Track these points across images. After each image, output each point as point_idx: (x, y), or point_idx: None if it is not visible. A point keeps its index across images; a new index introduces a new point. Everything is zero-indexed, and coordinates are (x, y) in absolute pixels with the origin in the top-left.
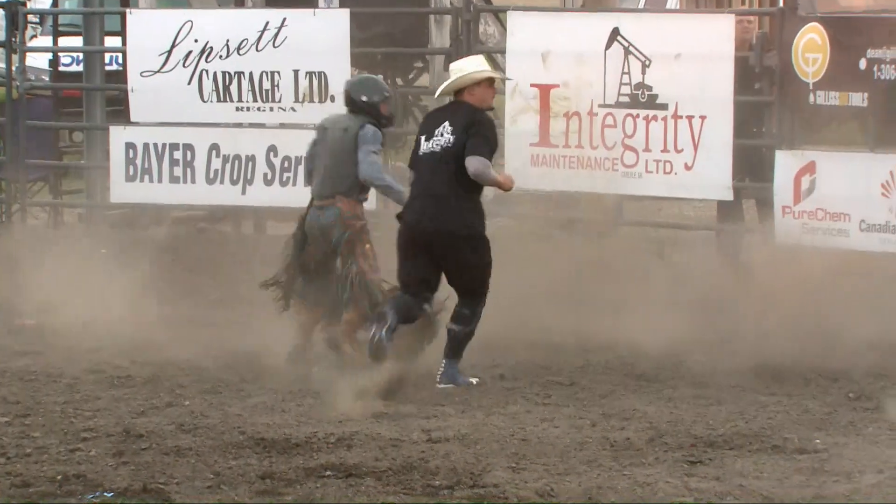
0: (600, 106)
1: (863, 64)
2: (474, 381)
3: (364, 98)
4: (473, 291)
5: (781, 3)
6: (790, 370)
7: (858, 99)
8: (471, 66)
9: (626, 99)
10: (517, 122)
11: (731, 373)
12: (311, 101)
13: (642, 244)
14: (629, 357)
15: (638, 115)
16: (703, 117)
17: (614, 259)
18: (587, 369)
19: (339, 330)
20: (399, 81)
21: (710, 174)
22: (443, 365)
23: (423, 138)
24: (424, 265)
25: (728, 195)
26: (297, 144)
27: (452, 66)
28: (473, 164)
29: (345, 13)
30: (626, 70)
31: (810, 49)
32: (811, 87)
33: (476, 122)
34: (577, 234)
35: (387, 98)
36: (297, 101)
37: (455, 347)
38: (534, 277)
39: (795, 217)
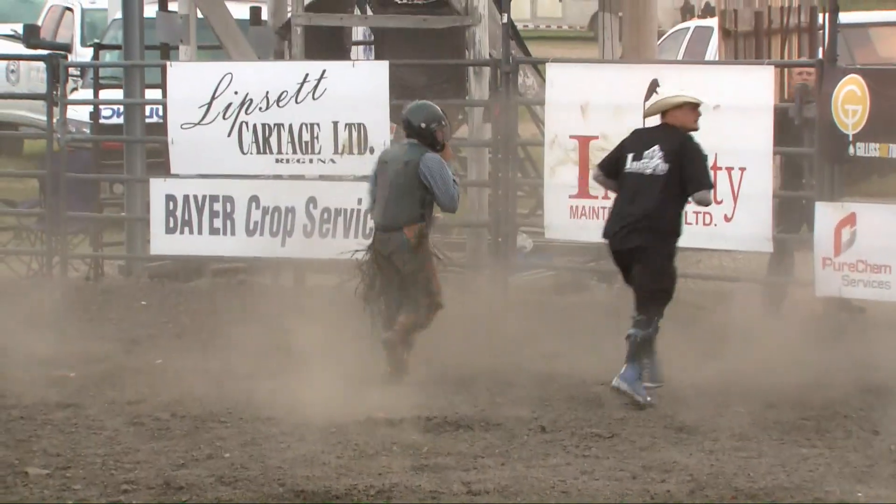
0: None
1: None
2: (649, 398)
3: (423, 124)
4: (652, 296)
5: (821, 55)
6: (831, 422)
7: None
8: (671, 91)
9: None
10: (556, 174)
11: (772, 424)
12: (351, 152)
13: (682, 295)
14: (669, 409)
15: None
16: (742, 169)
17: None
18: (627, 421)
19: (394, 331)
20: None
21: (750, 226)
22: (623, 368)
23: (630, 156)
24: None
25: (768, 247)
26: (337, 196)
27: (658, 89)
28: (705, 197)
29: (384, 65)
30: None
31: (850, 100)
32: (851, 138)
33: (688, 150)
34: (617, 284)
35: (443, 126)
36: (336, 152)
37: (632, 352)
38: (573, 328)
39: (836, 269)
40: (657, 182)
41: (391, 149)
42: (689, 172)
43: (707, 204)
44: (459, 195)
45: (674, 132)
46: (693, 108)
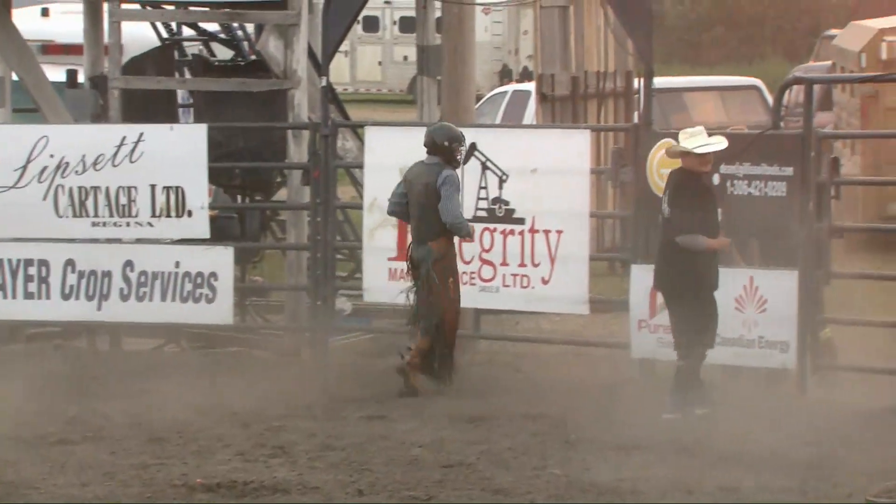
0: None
1: (716, 179)
2: (700, 412)
3: (446, 142)
4: (685, 332)
5: (636, 119)
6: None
7: None
8: (686, 140)
9: (484, 213)
10: (375, 237)
11: (588, 486)
12: (169, 215)
13: (500, 357)
14: (488, 471)
15: (495, 229)
16: (559, 231)
17: (472, 372)
18: (445, 483)
19: (408, 358)
20: (258, 197)
21: (568, 288)
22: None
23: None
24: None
25: (584, 309)
26: (154, 259)
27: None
28: (684, 242)
29: (202, 128)
30: (483, 184)
31: (665, 164)
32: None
33: (677, 190)
34: None
35: (460, 145)
36: (154, 215)
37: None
38: (392, 391)
39: (651, 331)
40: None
41: (414, 167)
42: (674, 215)
43: (691, 249)
44: (458, 219)
45: (678, 175)
46: (693, 155)
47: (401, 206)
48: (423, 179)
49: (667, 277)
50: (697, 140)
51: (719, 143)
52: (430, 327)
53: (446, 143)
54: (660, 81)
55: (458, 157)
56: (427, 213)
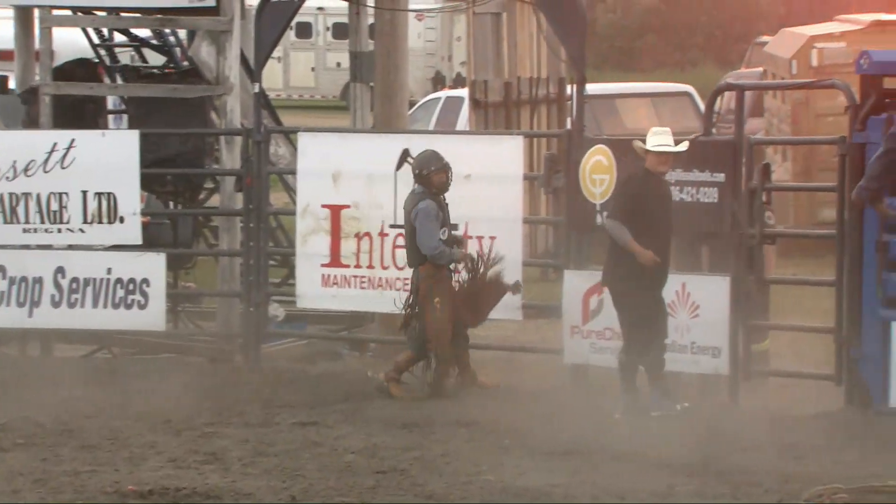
0: (391, 226)
1: None
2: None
3: (422, 171)
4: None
5: (569, 125)
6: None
7: None
8: (649, 138)
9: None
10: (308, 243)
11: (522, 491)
12: (100, 221)
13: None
14: (421, 477)
15: None
16: (492, 237)
17: (404, 377)
18: (377, 490)
19: (387, 370)
20: (190, 203)
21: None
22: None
23: None
24: None
25: (518, 315)
26: (86, 265)
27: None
28: (608, 226)
29: (134, 134)
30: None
31: (598, 170)
32: (598, 207)
33: (623, 182)
34: (369, 353)
35: (438, 170)
36: (85, 221)
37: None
38: (325, 397)
39: (584, 336)
40: None
41: (407, 197)
42: (610, 201)
43: (613, 237)
44: (434, 250)
45: (633, 171)
46: (658, 153)
47: None
48: (408, 207)
49: (609, 274)
50: (658, 139)
51: (678, 146)
52: (415, 346)
53: (423, 172)
54: (592, 88)
55: (440, 184)
56: (411, 240)
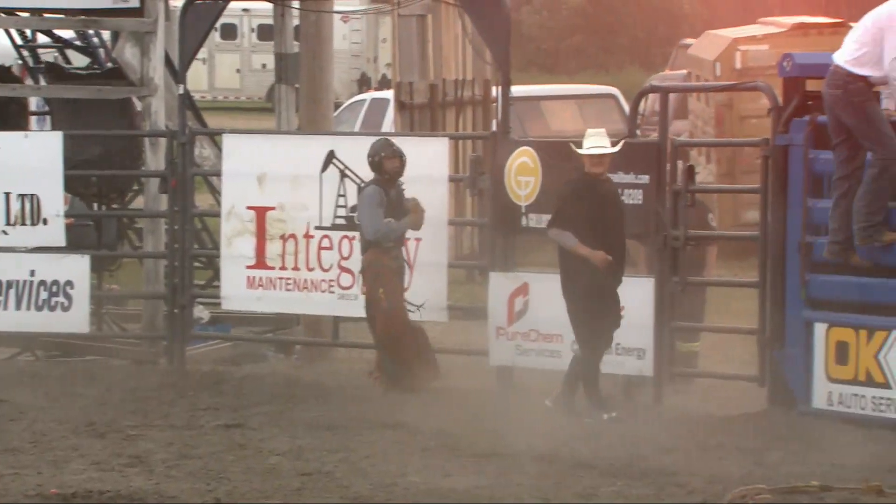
0: (317, 228)
1: None
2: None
3: (370, 158)
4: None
5: (494, 127)
6: (505, 489)
7: None
8: (584, 140)
9: (343, 221)
10: (233, 245)
11: (447, 492)
12: (24, 223)
13: (358, 365)
14: (346, 479)
15: (354, 237)
16: (418, 239)
17: (329, 380)
18: (303, 491)
19: (371, 369)
20: (115, 205)
21: (427, 295)
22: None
23: None
24: None
25: (444, 316)
26: (9, 268)
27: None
28: (552, 235)
29: (57, 136)
30: (342, 192)
31: (523, 172)
32: (524, 209)
33: (562, 186)
34: (294, 356)
35: (389, 156)
36: (8, 223)
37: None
38: (250, 399)
39: (509, 338)
40: None
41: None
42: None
43: (560, 244)
44: (377, 233)
45: (575, 174)
46: (584, 155)
47: None
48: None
49: (561, 274)
50: (591, 141)
51: (610, 148)
52: (375, 339)
53: (375, 158)
54: (517, 90)
55: (392, 170)
56: (359, 228)
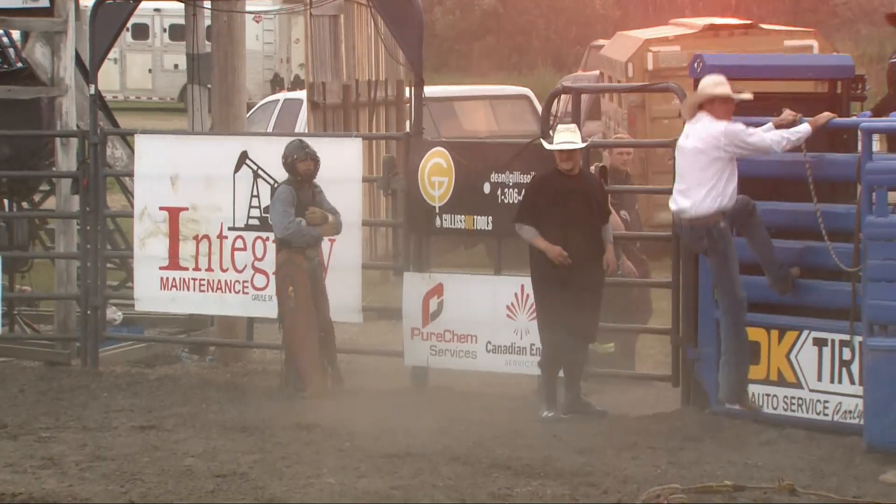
0: (230, 229)
1: (487, 188)
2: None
3: (283, 159)
4: None
5: (408, 128)
6: (419, 491)
7: (483, 222)
8: (554, 135)
9: (256, 222)
10: (146, 246)
11: (361, 495)
12: None
13: (273, 366)
14: (261, 480)
15: (268, 238)
16: (332, 240)
17: (244, 381)
18: (218, 493)
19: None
20: (25, 205)
21: (342, 297)
22: None
23: None
24: None
25: (358, 318)
26: None
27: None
28: (517, 230)
29: None
30: (255, 193)
31: (437, 173)
32: (437, 210)
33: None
34: (209, 357)
35: (300, 158)
36: None
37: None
38: (164, 401)
39: (424, 339)
40: None
41: None
42: None
43: (522, 238)
44: (298, 230)
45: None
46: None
47: None
48: None
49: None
50: (560, 136)
51: (577, 144)
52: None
53: (287, 160)
54: (430, 90)
55: (305, 171)
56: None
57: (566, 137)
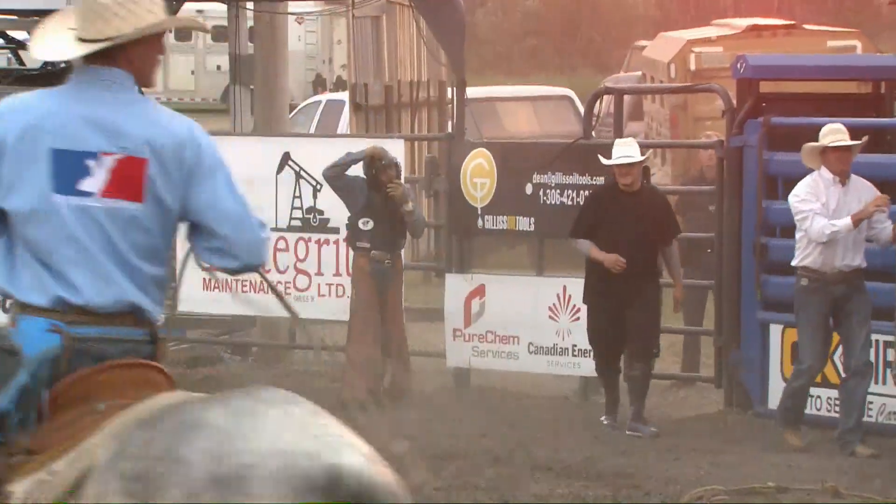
0: (272, 230)
1: (529, 189)
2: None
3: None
4: None
5: (450, 129)
6: (462, 491)
7: (525, 223)
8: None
9: (298, 223)
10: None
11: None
12: None
13: (314, 367)
14: None
15: (310, 239)
16: None
17: (286, 382)
18: None
19: None
20: None
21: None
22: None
23: None
24: None
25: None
26: None
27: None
28: (575, 245)
29: None
30: (297, 194)
31: (478, 174)
32: (479, 211)
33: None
34: (251, 358)
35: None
36: None
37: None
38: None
39: (466, 340)
40: None
41: None
42: None
43: (581, 252)
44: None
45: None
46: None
47: None
48: None
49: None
50: (618, 150)
51: (635, 158)
52: None
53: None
54: (472, 91)
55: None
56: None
57: (624, 151)
